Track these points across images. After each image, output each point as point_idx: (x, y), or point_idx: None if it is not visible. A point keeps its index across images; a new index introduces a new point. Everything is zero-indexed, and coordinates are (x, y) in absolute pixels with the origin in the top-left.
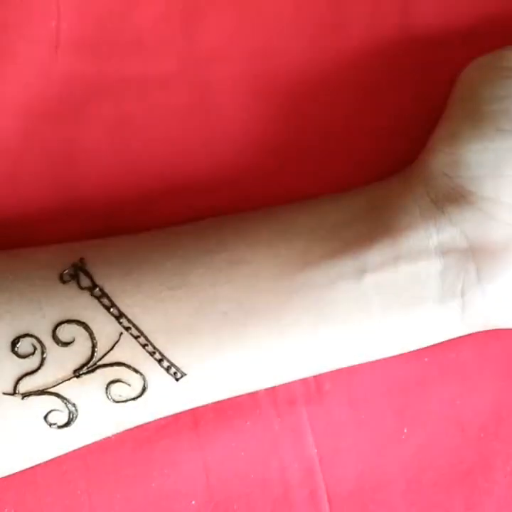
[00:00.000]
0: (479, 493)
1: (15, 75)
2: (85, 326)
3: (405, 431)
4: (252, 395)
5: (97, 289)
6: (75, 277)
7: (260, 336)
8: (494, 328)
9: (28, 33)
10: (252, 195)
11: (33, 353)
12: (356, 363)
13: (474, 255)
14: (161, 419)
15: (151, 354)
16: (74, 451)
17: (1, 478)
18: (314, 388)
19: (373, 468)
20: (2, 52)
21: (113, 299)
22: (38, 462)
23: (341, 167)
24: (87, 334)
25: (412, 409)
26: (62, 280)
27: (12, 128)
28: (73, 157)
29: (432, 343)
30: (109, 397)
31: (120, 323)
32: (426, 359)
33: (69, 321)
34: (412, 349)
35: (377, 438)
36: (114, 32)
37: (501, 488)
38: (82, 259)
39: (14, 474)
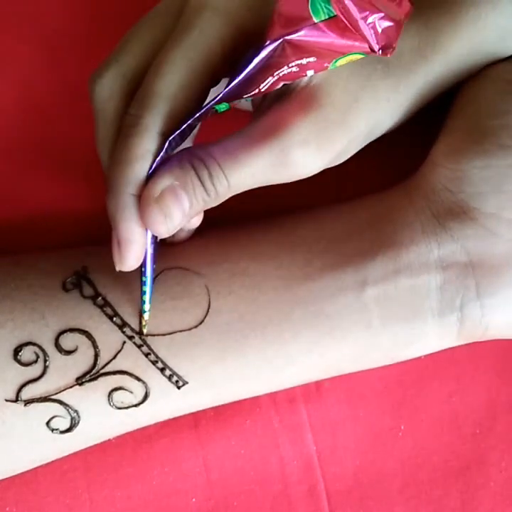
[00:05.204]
0: (475, 488)
1: (15, 75)
2: (88, 335)
3: (402, 427)
4: None
5: (100, 298)
6: (77, 286)
7: (261, 347)
8: (491, 338)
9: (28, 33)
10: (253, 204)
11: (35, 361)
12: (354, 371)
13: (474, 270)
14: None
15: (154, 363)
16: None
17: None
18: (313, 386)
19: (371, 464)
20: (2, 52)
21: (116, 308)
22: (39, 464)
23: (342, 177)
24: (89, 343)
25: (408, 406)
26: (65, 288)
27: (11, 128)
28: (74, 157)
29: (429, 353)
30: (112, 403)
31: (123, 332)
32: (422, 357)
33: (72, 330)
34: (409, 358)
35: (375, 435)
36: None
37: (497, 484)
38: (84, 268)
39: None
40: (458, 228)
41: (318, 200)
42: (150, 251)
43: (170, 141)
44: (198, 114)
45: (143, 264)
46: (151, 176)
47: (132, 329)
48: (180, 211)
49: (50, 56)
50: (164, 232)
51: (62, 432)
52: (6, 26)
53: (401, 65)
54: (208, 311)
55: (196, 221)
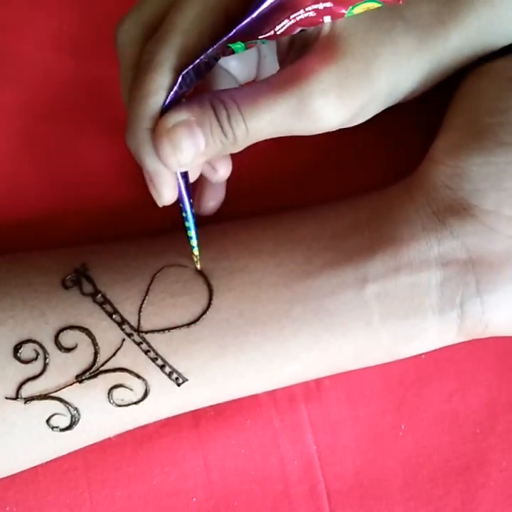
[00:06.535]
0: (475, 487)
1: (15, 75)
2: (88, 332)
3: (402, 427)
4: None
5: (100, 295)
6: (77, 283)
7: (261, 344)
8: (491, 335)
9: (28, 34)
10: (253, 202)
11: (35, 359)
12: (354, 368)
13: (474, 267)
14: None
15: (153, 360)
16: (75, 449)
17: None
18: (313, 386)
19: (371, 464)
20: (2, 52)
21: (115, 305)
22: (39, 462)
23: (342, 174)
24: (89, 340)
25: (409, 405)
26: (65, 286)
27: (12, 128)
28: (74, 158)
29: (429, 350)
30: (111, 401)
31: (122, 329)
32: (422, 356)
33: (71, 327)
34: (410, 355)
35: (375, 434)
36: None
37: (497, 483)
38: (84, 265)
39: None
40: (458, 225)
41: (319, 197)
42: (182, 184)
43: (183, 75)
44: (211, 49)
45: (180, 201)
46: (166, 111)
47: (131, 326)
48: (193, 146)
49: (51, 57)
50: (174, 164)
51: (62, 430)
52: (7, 26)
53: (421, 25)
54: (207, 308)
55: (224, 172)
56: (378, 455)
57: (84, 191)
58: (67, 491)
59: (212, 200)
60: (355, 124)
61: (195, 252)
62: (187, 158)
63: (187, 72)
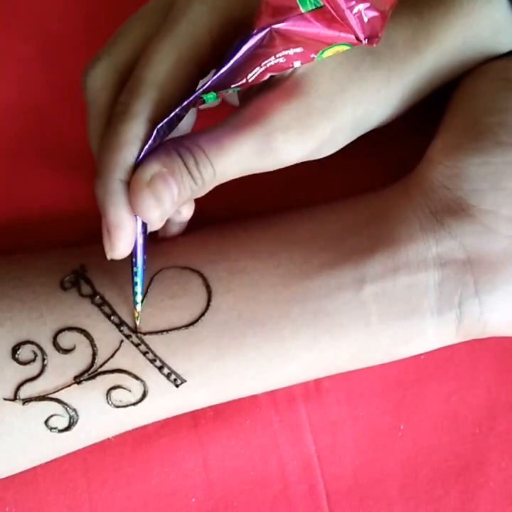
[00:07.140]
0: (475, 487)
1: (14, 76)
2: (86, 334)
3: (402, 427)
4: None
5: (98, 297)
6: (75, 284)
7: (260, 344)
8: (490, 335)
9: (27, 34)
10: (252, 202)
11: (33, 360)
12: (353, 369)
13: (472, 267)
14: None
15: (152, 361)
16: (74, 450)
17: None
18: (313, 386)
19: (371, 464)
20: (2, 52)
21: (113, 306)
22: (39, 463)
23: (340, 175)
24: (87, 341)
25: (408, 406)
26: (63, 287)
27: (11, 128)
28: (73, 157)
29: (428, 351)
30: (110, 402)
31: (121, 331)
32: (422, 357)
33: (70, 329)
34: (408, 356)
35: (375, 434)
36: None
37: (496, 483)
38: (82, 266)
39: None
40: (456, 225)
41: (317, 198)
42: (140, 240)
43: (158, 129)
44: (185, 103)
45: (133, 255)
46: (139, 163)
47: (130, 328)
48: (170, 197)
49: (49, 56)
50: (157, 217)
51: (60, 431)
52: (6, 26)
53: (392, 56)
54: (206, 309)
55: (187, 213)
56: (377, 455)
57: (84, 191)
58: (66, 492)
59: (176, 229)
60: (325, 155)
61: (138, 308)
62: (166, 210)
63: (161, 126)
